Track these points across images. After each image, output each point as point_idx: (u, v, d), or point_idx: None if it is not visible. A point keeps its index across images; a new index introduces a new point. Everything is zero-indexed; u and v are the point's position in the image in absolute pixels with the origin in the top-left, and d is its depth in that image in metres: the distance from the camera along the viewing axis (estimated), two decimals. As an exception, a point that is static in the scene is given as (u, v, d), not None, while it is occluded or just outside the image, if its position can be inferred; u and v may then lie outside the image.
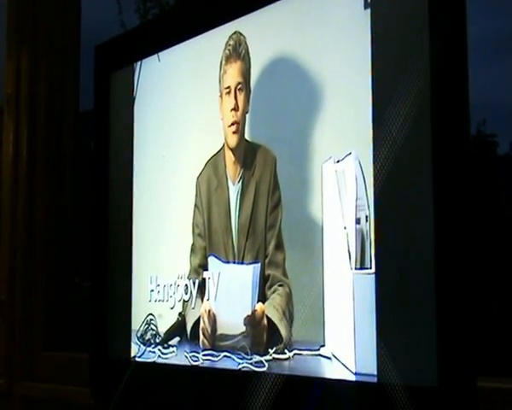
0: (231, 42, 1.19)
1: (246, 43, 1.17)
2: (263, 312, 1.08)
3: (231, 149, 1.19)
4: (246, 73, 1.16)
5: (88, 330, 1.49)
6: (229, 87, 1.19)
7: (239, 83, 1.17)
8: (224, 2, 1.25)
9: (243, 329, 1.11)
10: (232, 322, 1.14)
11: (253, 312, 1.10)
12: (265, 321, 1.08)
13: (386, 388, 0.89)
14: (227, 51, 1.20)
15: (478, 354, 0.83)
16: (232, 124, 1.18)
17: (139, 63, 1.40)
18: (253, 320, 1.10)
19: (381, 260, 0.92)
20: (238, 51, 1.17)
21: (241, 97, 1.17)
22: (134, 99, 1.41)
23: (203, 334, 1.20)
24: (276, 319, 1.06)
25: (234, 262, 1.15)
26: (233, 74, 1.18)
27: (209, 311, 1.18)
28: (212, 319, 1.18)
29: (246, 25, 1.17)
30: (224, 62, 1.20)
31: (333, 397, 0.98)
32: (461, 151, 0.85)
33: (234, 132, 1.18)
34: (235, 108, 1.17)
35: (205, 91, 1.24)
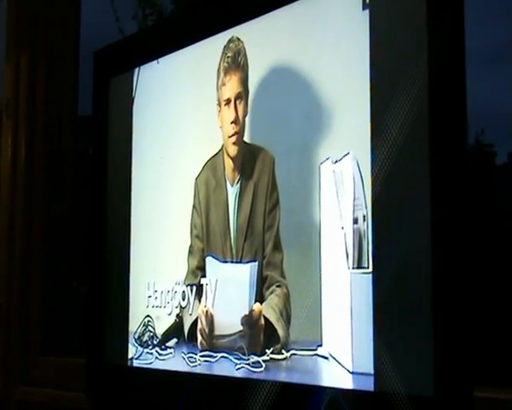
0: (230, 53, 1.18)
1: (244, 49, 1.16)
2: (260, 312, 1.08)
3: (231, 155, 1.19)
4: (245, 81, 1.16)
5: (85, 335, 1.48)
6: (228, 99, 1.18)
7: (239, 93, 1.17)
8: (223, 9, 1.25)
9: (240, 328, 1.11)
10: (229, 321, 1.14)
11: (251, 311, 1.10)
12: (262, 321, 1.08)
13: (383, 396, 0.89)
14: (225, 64, 1.19)
15: (475, 364, 0.83)
16: (232, 135, 1.18)
17: (137, 68, 1.40)
18: (250, 320, 1.10)
19: (379, 260, 0.92)
20: (237, 62, 1.17)
21: (240, 107, 1.17)
22: (133, 102, 1.41)
23: (201, 334, 1.19)
24: (273, 319, 1.06)
25: (232, 262, 1.15)
26: (232, 86, 1.18)
27: (207, 311, 1.18)
28: (210, 319, 1.18)
29: (244, 30, 1.18)
30: (222, 74, 1.20)
31: (329, 405, 0.98)
32: (458, 150, 0.85)
33: (234, 143, 1.18)
34: (235, 121, 1.17)
35: (203, 94, 1.24)
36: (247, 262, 1.12)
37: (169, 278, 1.28)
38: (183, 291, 1.24)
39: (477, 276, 0.87)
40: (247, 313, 1.10)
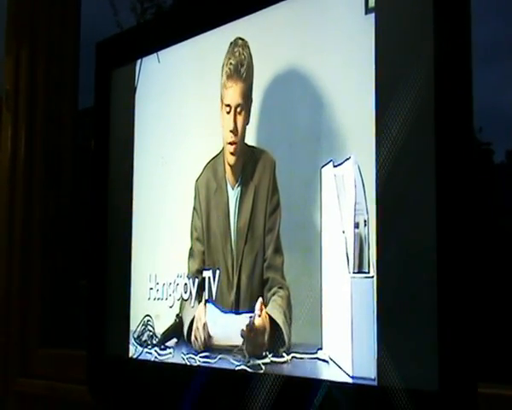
0: (233, 60, 1.17)
1: (250, 57, 1.15)
2: (265, 312, 1.08)
3: (230, 163, 1.18)
4: (247, 91, 1.15)
5: (86, 328, 1.48)
6: (229, 105, 1.17)
7: (239, 104, 1.16)
8: (226, 3, 1.24)
9: (242, 328, 1.11)
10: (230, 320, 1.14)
11: (256, 311, 1.09)
12: (268, 322, 1.07)
13: (386, 392, 0.89)
14: (227, 69, 1.18)
15: (479, 360, 0.82)
16: (230, 143, 1.17)
17: (139, 63, 1.39)
18: (254, 320, 1.09)
19: (381, 265, 0.92)
20: (239, 72, 1.16)
21: (240, 117, 1.15)
22: (135, 95, 1.40)
23: (196, 339, 1.20)
24: (280, 320, 1.06)
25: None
26: (233, 94, 1.17)
27: (205, 322, 1.18)
28: (207, 327, 1.18)
29: (247, 27, 1.17)
30: (225, 77, 1.19)
31: (331, 400, 0.98)
32: (464, 157, 0.84)
33: (232, 153, 1.17)
34: (234, 131, 1.16)
35: (205, 93, 1.23)
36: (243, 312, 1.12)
37: (171, 271, 1.28)
38: (185, 284, 1.24)
39: (480, 274, 0.87)
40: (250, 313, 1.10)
